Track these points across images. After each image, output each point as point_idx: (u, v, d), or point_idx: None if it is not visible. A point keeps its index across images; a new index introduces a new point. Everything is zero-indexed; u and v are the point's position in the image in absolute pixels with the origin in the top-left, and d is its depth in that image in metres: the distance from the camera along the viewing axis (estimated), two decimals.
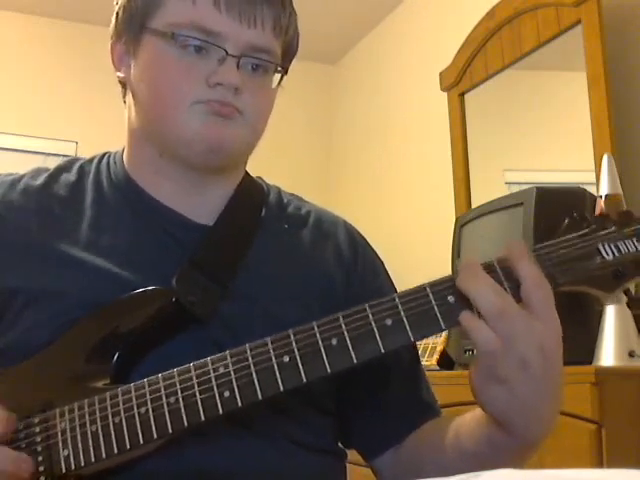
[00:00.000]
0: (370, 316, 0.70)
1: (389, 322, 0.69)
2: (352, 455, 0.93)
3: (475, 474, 0.52)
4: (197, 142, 0.83)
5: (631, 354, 1.45)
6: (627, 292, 1.43)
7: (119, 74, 0.90)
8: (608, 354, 1.47)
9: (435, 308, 0.69)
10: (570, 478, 0.51)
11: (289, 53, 0.92)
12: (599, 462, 1.29)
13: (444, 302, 0.69)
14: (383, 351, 0.69)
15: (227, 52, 0.82)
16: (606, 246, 0.71)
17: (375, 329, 0.69)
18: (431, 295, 0.70)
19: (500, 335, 0.66)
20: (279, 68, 0.88)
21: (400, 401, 0.90)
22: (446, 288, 0.70)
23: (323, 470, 0.86)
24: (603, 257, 0.71)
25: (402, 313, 0.69)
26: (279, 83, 0.90)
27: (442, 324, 0.69)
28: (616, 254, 0.71)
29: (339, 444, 0.92)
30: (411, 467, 0.85)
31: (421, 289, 0.70)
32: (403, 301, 0.70)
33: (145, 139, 0.89)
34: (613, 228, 0.72)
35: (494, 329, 0.66)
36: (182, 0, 0.82)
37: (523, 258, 0.68)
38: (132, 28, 0.86)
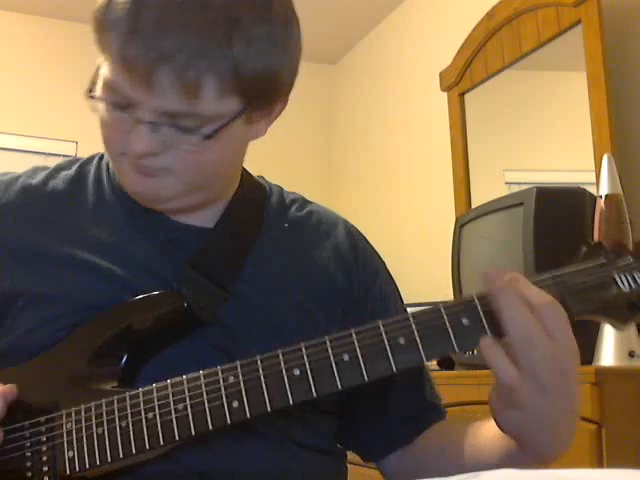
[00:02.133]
0: (383, 334, 0.69)
1: (402, 341, 0.69)
2: (352, 455, 0.93)
3: (475, 474, 0.52)
4: (133, 195, 0.84)
5: (631, 354, 1.45)
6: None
7: None
8: (608, 354, 1.47)
9: (449, 329, 0.69)
10: (570, 478, 0.51)
11: (259, 92, 0.77)
12: (599, 462, 1.29)
13: (458, 324, 0.69)
14: (395, 370, 0.69)
15: (139, 117, 0.75)
16: (622, 277, 0.70)
17: (387, 347, 0.69)
18: (445, 317, 0.69)
19: (520, 363, 0.65)
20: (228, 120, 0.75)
21: (404, 405, 0.90)
22: (461, 310, 0.69)
23: (325, 470, 0.86)
24: (620, 288, 0.70)
25: (415, 333, 0.69)
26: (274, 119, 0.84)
27: (455, 346, 0.69)
28: (632, 285, 0.70)
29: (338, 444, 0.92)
30: (416, 470, 0.85)
31: (435, 309, 0.70)
32: (417, 321, 0.69)
33: None
34: (630, 258, 0.71)
35: (515, 356, 0.65)
36: (107, 59, 0.77)
37: (525, 283, 0.67)
38: None
